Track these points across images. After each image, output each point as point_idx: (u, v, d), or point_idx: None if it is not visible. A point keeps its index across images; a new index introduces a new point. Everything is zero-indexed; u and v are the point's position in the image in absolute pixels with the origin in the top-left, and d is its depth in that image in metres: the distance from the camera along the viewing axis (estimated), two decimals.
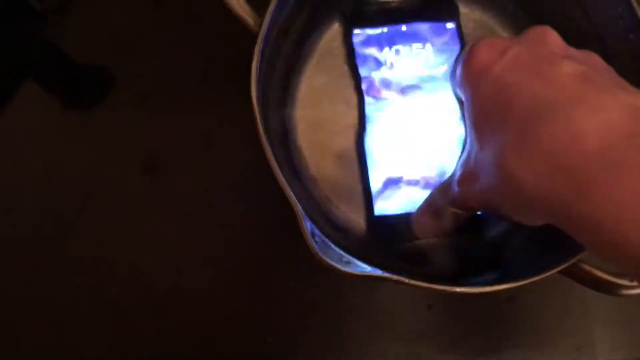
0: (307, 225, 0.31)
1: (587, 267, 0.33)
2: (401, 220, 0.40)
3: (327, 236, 0.33)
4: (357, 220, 0.40)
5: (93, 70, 0.42)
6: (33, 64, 0.41)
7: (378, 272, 0.31)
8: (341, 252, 0.32)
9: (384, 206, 0.40)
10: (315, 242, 0.31)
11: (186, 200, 0.41)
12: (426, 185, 0.40)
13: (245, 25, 0.33)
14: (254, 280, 0.41)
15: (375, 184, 0.40)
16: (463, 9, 0.41)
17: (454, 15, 0.41)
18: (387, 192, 0.40)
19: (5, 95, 0.40)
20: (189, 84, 0.42)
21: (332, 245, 0.32)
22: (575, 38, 0.39)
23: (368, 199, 0.40)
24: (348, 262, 0.31)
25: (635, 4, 0.35)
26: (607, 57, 0.37)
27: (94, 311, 0.40)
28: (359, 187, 0.40)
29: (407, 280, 0.31)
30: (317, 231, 0.32)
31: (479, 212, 0.39)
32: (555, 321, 0.42)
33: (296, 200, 0.31)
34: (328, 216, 0.40)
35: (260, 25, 0.32)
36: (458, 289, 0.32)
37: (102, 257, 0.41)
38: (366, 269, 0.31)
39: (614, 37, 0.37)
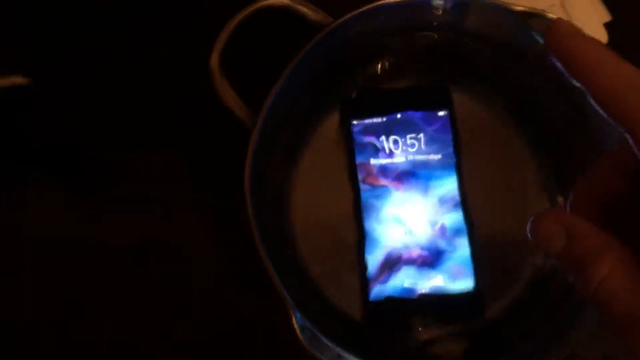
0: (297, 318, 0.32)
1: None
2: (400, 305, 0.40)
3: (320, 325, 0.33)
4: (356, 307, 0.41)
5: (94, 159, 0.44)
6: (38, 155, 0.43)
7: None
8: (332, 344, 0.32)
9: (382, 290, 0.40)
10: (305, 335, 0.31)
11: (175, 285, 0.42)
12: (422, 265, 0.40)
13: (242, 122, 0.35)
14: None
15: (372, 267, 0.40)
16: (457, 98, 0.42)
17: (447, 104, 0.42)
18: (384, 277, 0.40)
19: (14, 183, 0.42)
20: (190, 180, 0.44)
21: (324, 338, 0.32)
22: (566, 135, 0.41)
23: (365, 284, 0.40)
24: (339, 356, 0.32)
25: None
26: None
27: None
28: (356, 273, 0.41)
29: None
30: (307, 323, 0.32)
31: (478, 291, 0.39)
32: None
33: (287, 294, 0.32)
34: (324, 303, 0.40)
35: (255, 122, 0.34)
36: None
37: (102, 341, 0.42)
38: None
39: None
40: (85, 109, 0.44)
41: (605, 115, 0.19)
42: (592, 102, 0.20)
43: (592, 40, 0.20)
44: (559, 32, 0.20)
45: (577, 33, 0.20)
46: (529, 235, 0.21)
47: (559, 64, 0.20)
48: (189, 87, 0.42)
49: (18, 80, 0.40)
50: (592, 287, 0.19)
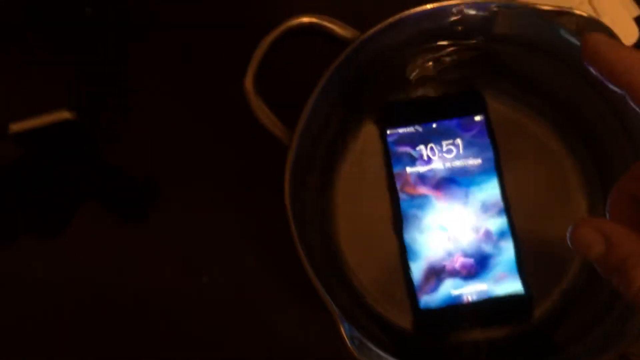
0: (346, 328, 0.32)
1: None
2: (448, 314, 0.40)
3: (370, 334, 0.33)
4: (402, 317, 0.41)
5: (142, 184, 0.46)
6: (91, 186, 0.45)
7: None
8: (382, 353, 0.32)
9: (428, 300, 0.40)
10: (354, 344, 0.31)
11: (227, 296, 0.43)
12: (468, 275, 0.40)
13: (279, 139, 0.36)
14: None
15: (417, 277, 0.40)
16: (491, 103, 0.42)
17: (482, 109, 0.42)
18: (430, 285, 0.40)
19: (66, 219, 0.44)
20: (228, 188, 0.45)
21: (373, 347, 0.32)
22: (604, 132, 0.40)
23: (411, 293, 0.40)
24: None
25: None
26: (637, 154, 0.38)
27: None
28: (402, 283, 0.41)
29: None
30: (356, 332, 0.32)
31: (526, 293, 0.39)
32: None
33: (333, 304, 0.32)
34: (370, 312, 0.40)
35: (291, 139, 0.34)
36: None
37: None
38: None
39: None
40: (132, 139, 0.46)
41: None
42: (632, 103, 0.20)
43: (625, 46, 0.21)
44: (592, 43, 0.22)
45: (610, 41, 0.21)
46: (568, 243, 0.22)
47: (597, 74, 0.22)
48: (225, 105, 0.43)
49: (64, 115, 0.42)
50: (633, 291, 0.20)
